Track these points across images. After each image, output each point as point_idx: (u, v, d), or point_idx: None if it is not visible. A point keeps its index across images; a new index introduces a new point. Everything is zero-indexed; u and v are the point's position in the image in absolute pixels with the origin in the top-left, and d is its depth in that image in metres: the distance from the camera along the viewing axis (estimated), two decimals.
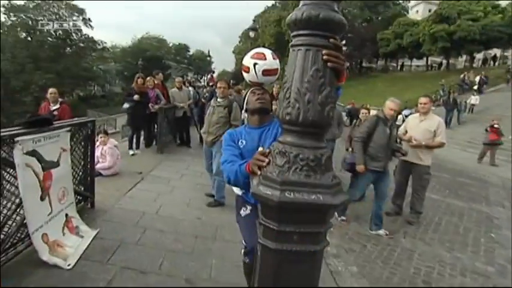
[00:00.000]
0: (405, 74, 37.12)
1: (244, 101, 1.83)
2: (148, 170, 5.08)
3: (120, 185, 4.21)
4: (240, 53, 55.71)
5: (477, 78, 20.51)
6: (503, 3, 29.19)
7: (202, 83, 41.15)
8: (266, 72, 1.72)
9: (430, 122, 4.01)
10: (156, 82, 6.81)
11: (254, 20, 42.47)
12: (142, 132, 6.71)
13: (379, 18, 40.96)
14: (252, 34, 16.93)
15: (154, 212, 3.52)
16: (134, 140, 6.30)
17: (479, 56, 32.95)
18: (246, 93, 1.84)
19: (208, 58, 49.38)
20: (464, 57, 33.12)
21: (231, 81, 16.03)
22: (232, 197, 2.20)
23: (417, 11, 53.54)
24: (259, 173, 1.13)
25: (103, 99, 37.09)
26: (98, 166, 4.27)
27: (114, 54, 44.51)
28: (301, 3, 1.02)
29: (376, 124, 3.68)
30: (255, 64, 1.69)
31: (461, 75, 22.12)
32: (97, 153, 4.26)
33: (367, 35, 38.54)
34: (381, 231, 3.72)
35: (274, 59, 1.75)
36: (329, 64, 0.99)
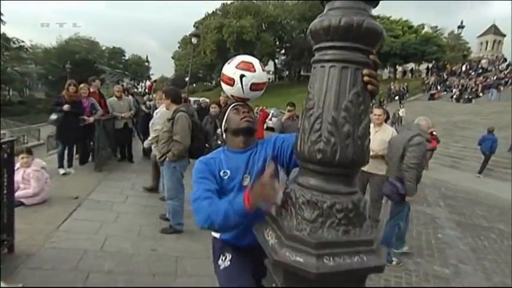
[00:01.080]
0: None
1: (223, 120, 1.48)
2: (86, 193, 4.32)
3: (51, 216, 3.45)
4: (179, 59, 54.10)
5: (401, 88, 23.12)
6: (415, 24, 33.98)
7: (140, 90, 38.76)
8: (254, 87, 1.39)
9: (384, 133, 4.16)
10: (91, 90, 5.96)
11: (196, 27, 41.71)
12: (75, 147, 5.80)
13: None
14: (194, 40, 16.43)
15: (98, 247, 2.92)
16: (66, 157, 5.38)
17: (400, 68, 37.47)
18: (226, 110, 1.50)
19: (146, 63, 46.76)
20: (389, 69, 37.33)
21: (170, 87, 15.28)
22: (192, 221, 1.83)
23: None
24: (273, 212, 0.88)
25: (21, 105, 32.15)
26: (18, 194, 3.45)
27: (34, 55, 39.16)
28: (329, 5, 0.78)
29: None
30: (241, 76, 1.35)
31: (388, 85, 24.69)
32: (17, 177, 3.43)
33: (305, 44, 40.95)
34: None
35: (263, 70, 1.43)
36: (369, 87, 0.78)
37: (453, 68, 28.09)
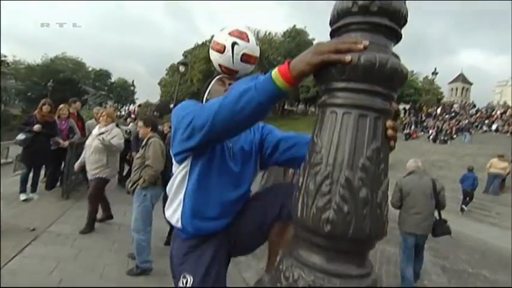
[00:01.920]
0: None
1: (205, 92, 1.31)
2: (46, 224, 3.88)
3: None
4: (165, 86, 54.46)
5: None
6: None
7: (123, 113, 38.18)
8: (246, 58, 1.23)
9: None
10: (70, 111, 5.65)
11: (185, 56, 42.60)
12: (44, 170, 5.36)
13: None
14: (182, 68, 16.58)
15: None
16: (30, 180, 4.92)
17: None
18: (209, 82, 1.33)
19: (132, 88, 46.69)
20: None
21: (154, 113, 15.03)
22: (163, 260, 1.54)
23: None
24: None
25: None
26: None
27: (16, 70, 38.15)
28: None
29: None
30: (234, 44, 1.20)
31: None
32: None
33: None
34: None
35: (257, 44, 1.29)
36: (391, 143, 0.63)
37: (429, 110, 29.64)
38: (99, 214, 4.25)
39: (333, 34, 0.68)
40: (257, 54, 1.29)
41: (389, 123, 0.61)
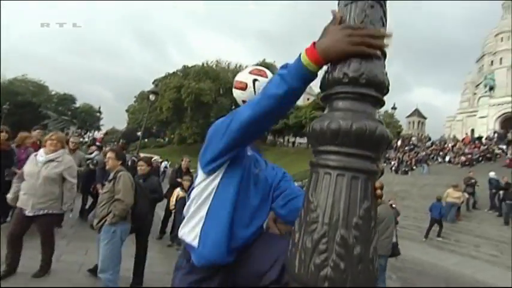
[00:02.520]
0: (290, 149, 42.65)
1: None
2: None
3: None
4: (133, 113, 53.36)
5: None
6: None
7: (86, 140, 36.37)
8: None
9: None
10: (32, 140, 5.29)
11: (156, 84, 42.46)
12: None
13: None
14: (152, 97, 16.47)
15: None
16: None
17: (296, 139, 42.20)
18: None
19: (98, 114, 45.09)
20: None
21: (121, 140, 14.52)
22: None
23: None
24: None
25: None
26: None
27: None
28: (334, 105, 0.72)
29: None
30: (254, 80, 1.31)
31: None
32: None
33: None
34: None
35: None
36: (378, 201, 0.69)
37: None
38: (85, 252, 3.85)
39: (324, 99, 0.75)
40: None
41: (377, 184, 0.67)
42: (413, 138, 31.78)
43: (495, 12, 42.17)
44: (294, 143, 47.37)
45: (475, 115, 35.70)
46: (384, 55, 0.71)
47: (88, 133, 48.04)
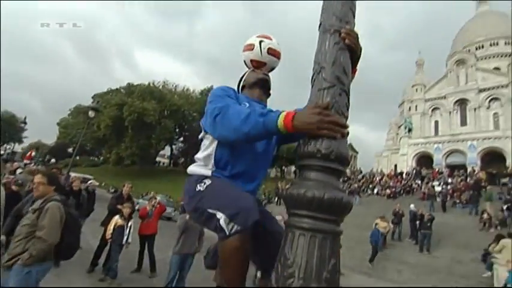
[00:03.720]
0: None
1: (240, 81, 1.57)
2: None
3: None
4: (65, 127, 48.52)
5: (287, 186, 25.98)
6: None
7: (3, 153, 31.39)
8: (271, 51, 1.51)
9: None
10: None
11: (98, 101, 39.69)
12: None
13: None
14: (92, 114, 15.41)
15: None
16: None
17: (286, 169, 43.11)
18: (244, 75, 1.58)
19: (22, 124, 39.54)
20: (276, 168, 42.48)
21: (46, 156, 12.99)
22: None
23: None
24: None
25: None
26: None
27: None
28: (305, 175, 0.87)
29: None
30: (260, 42, 1.50)
31: (276, 184, 27.39)
32: None
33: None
34: None
35: (279, 45, 1.58)
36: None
37: None
38: None
39: (299, 167, 0.90)
40: (280, 51, 1.56)
41: (340, 244, 0.82)
42: (347, 171, 34.70)
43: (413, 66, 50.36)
44: None
45: (397, 152, 40.72)
46: (346, 135, 0.90)
47: (6, 145, 41.29)
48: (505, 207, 13.51)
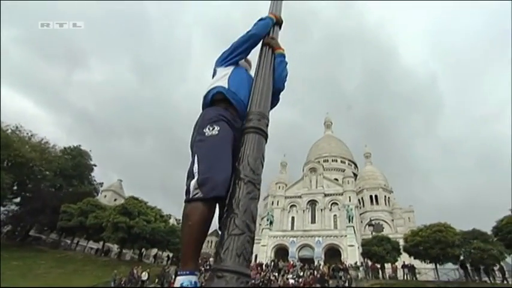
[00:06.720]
0: (78, 254, 33.98)
1: None
2: None
3: None
4: None
5: (144, 274, 22.14)
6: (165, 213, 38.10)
7: None
8: None
9: None
10: None
11: None
12: None
13: (70, 189, 38.93)
14: None
15: None
16: None
17: (145, 252, 37.50)
18: None
19: None
20: (134, 250, 36.40)
21: None
22: None
23: (105, 196, 57.63)
24: None
25: None
26: None
27: None
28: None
29: None
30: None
31: (133, 269, 23.09)
32: None
33: (51, 201, 34.72)
34: None
35: None
36: None
37: None
38: None
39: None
40: None
41: None
42: (210, 259, 33.02)
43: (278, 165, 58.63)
44: (85, 247, 38.36)
45: (259, 243, 42.43)
46: None
47: None
48: None
